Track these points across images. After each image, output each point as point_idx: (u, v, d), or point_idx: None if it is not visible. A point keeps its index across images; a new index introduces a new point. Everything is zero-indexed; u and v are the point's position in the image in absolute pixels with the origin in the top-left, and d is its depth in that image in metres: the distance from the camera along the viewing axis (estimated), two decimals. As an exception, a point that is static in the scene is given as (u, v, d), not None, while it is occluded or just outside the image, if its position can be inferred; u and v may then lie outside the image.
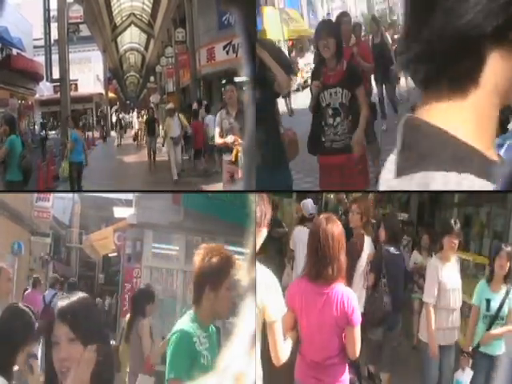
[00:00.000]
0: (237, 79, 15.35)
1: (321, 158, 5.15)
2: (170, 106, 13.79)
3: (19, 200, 12.19)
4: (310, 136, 5.17)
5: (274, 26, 17.75)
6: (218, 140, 6.77)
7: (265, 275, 2.76)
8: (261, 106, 4.73)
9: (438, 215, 8.61)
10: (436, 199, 8.82)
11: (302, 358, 3.15)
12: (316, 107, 5.05)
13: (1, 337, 2.71)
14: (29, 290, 9.74)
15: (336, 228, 3.09)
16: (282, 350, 2.82)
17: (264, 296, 2.68)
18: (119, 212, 10.43)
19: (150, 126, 15.75)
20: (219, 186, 8.55)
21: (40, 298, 9.27)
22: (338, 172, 5.06)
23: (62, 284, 10.78)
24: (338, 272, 3.04)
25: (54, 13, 19.43)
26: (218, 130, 6.77)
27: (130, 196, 9.25)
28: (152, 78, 32.78)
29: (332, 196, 8.50)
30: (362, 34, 12.61)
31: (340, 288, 3.04)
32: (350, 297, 3.03)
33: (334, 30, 4.98)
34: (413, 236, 8.40)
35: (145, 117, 22.27)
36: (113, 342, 9.72)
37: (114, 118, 24.73)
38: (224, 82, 18.49)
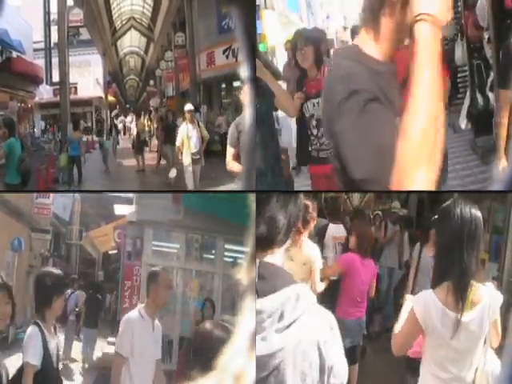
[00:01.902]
0: (236, 83, 15.30)
1: (311, 168, 5.10)
2: (189, 106, 9.53)
3: (19, 196, 12.21)
4: (297, 148, 5.17)
5: (274, 29, 17.77)
6: (232, 164, 4.72)
7: (313, 246, 4.74)
8: (259, 118, 4.67)
9: (437, 209, 8.55)
10: (435, 195, 8.75)
11: (345, 299, 5.10)
12: (301, 118, 4.95)
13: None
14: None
15: (370, 227, 5.83)
16: (319, 285, 4.66)
17: (315, 255, 4.63)
18: (119, 209, 10.45)
19: (169, 134, 12.68)
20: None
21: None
22: (325, 181, 5.00)
23: (78, 284, 12.26)
24: (370, 251, 5.27)
25: (54, 16, 19.46)
26: (232, 150, 4.73)
27: (130, 194, 9.35)
28: (152, 82, 32.83)
29: (332, 195, 8.51)
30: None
31: (371, 260, 5.27)
32: (375, 265, 5.40)
33: (310, 38, 4.75)
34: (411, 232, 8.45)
35: (146, 121, 22.11)
36: (112, 340, 9.77)
37: (115, 122, 24.73)
38: (224, 85, 18.62)
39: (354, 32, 10.70)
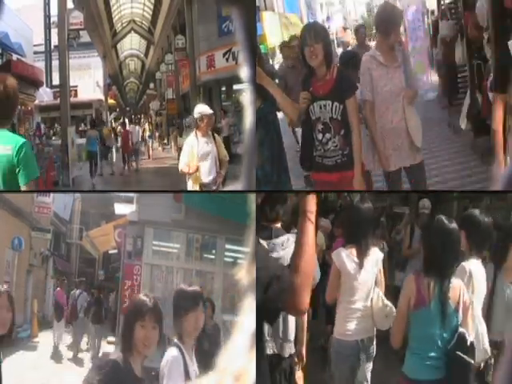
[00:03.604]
0: (236, 86, 15.26)
1: (313, 175, 4.70)
2: (203, 108, 6.28)
3: (20, 195, 12.28)
4: (301, 151, 4.70)
5: (274, 30, 17.78)
6: None
7: (320, 235, 6.01)
8: (264, 119, 4.32)
9: (437, 208, 8.59)
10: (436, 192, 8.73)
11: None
12: (305, 120, 4.48)
13: None
14: (58, 289, 12.48)
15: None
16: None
17: (321, 241, 6.13)
18: (120, 209, 10.49)
19: None
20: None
21: (65, 295, 12.06)
22: (329, 189, 4.78)
23: (86, 285, 13.65)
24: None
25: (54, 19, 19.50)
26: None
27: (130, 193, 9.41)
28: (152, 85, 32.86)
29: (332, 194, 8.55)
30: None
31: None
32: None
33: (321, 34, 4.34)
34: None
35: (147, 125, 22.15)
36: (113, 339, 9.95)
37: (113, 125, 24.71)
38: (224, 88, 18.61)
39: (357, 33, 10.52)
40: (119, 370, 2.60)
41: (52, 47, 20.80)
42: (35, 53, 21.28)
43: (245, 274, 1.40)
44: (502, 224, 4.75)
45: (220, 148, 6.30)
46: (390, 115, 4.75)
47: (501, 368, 1.15)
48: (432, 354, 3.09)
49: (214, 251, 8.30)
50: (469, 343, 3.07)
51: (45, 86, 21.08)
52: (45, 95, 21.20)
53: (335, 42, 17.87)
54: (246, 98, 1.40)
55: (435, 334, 3.08)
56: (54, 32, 18.80)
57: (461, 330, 3.08)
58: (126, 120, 26.43)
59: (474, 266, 3.51)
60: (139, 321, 2.65)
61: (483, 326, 3.45)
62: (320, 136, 4.41)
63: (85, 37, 23.43)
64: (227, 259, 8.22)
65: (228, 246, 8.22)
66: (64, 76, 15.28)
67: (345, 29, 18.34)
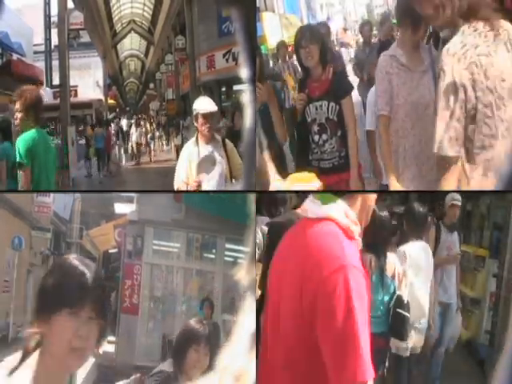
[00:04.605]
0: (236, 87, 15.27)
1: None
2: (206, 105, 4.63)
3: (20, 195, 12.30)
4: (296, 156, 4.65)
5: (274, 31, 17.76)
6: None
7: None
8: (264, 119, 4.32)
9: (437, 208, 8.61)
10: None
11: None
12: (301, 123, 4.43)
13: None
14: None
15: None
16: None
17: None
18: (120, 208, 10.55)
19: None
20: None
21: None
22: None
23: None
24: None
25: (54, 19, 19.50)
26: None
27: (131, 193, 9.45)
28: (152, 85, 32.90)
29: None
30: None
31: None
32: None
33: (315, 35, 4.31)
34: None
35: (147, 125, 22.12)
36: (113, 338, 10.02)
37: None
38: (224, 89, 18.62)
39: (362, 30, 10.37)
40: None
41: (52, 47, 20.77)
42: (35, 52, 21.30)
43: (245, 274, 1.41)
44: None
45: (233, 161, 4.67)
46: (417, 133, 3.69)
47: (501, 363, 1.15)
48: (376, 314, 3.83)
49: (214, 251, 8.32)
50: (405, 302, 3.91)
51: (45, 85, 21.08)
52: (45, 95, 21.20)
53: (335, 42, 17.88)
54: (246, 97, 1.41)
55: (377, 299, 3.86)
56: (54, 32, 18.78)
57: (398, 293, 3.93)
58: (124, 121, 26.48)
59: (409, 247, 4.39)
60: (194, 345, 2.81)
61: (420, 292, 4.30)
62: (316, 138, 4.37)
63: (85, 37, 23.51)
64: (227, 259, 8.24)
65: (228, 246, 8.25)
66: (64, 76, 15.28)
67: (345, 30, 18.38)
